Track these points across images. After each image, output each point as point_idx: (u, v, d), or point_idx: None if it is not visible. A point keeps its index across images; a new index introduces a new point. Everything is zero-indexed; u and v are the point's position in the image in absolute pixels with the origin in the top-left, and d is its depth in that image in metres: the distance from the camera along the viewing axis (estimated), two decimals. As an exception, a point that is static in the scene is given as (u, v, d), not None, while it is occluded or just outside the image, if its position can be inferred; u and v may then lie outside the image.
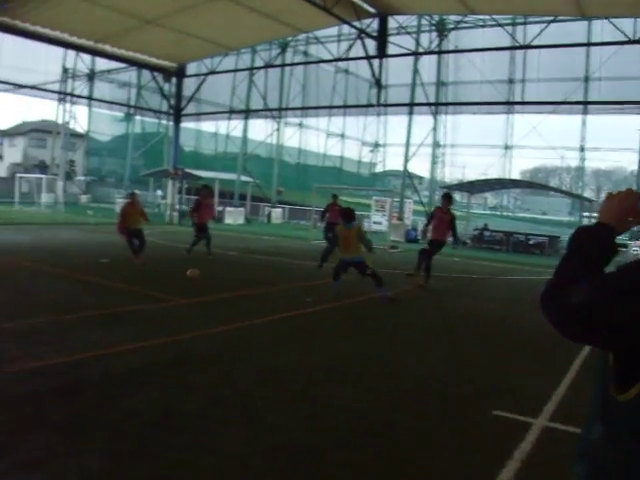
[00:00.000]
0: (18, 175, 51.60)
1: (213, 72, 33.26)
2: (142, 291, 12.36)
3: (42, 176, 50.29)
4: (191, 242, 19.45)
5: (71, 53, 46.12)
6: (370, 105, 40.39)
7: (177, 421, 5.59)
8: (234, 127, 52.38)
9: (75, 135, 57.98)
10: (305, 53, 43.84)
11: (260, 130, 51.27)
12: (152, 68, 33.45)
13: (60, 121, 53.90)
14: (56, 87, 47.00)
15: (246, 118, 48.07)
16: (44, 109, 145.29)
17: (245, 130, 48.63)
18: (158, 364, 7.37)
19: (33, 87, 39.71)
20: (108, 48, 30.11)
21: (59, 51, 43.22)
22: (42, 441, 4.95)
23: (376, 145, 58.84)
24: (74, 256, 17.91)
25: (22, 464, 4.52)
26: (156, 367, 7.25)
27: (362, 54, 26.40)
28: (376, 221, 37.33)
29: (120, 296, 11.71)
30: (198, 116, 45.72)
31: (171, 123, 38.69)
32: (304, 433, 5.56)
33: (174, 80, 34.83)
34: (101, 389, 6.33)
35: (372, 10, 24.51)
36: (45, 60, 41.94)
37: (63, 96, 50.63)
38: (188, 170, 39.60)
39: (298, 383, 7.05)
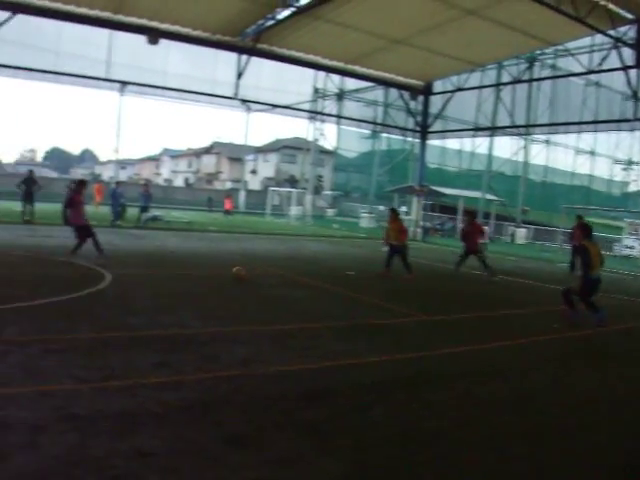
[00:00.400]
0: (270, 188, 54.73)
1: (460, 89, 33.14)
2: (386, 305, 12.52)
3: (292, 190, 52.89)
4: (484, 266, 19.08)
5: (321, 74, 48.09)
6: (625, 120, 38.16)
7: (417, 438, 5.57)
8: (479, 144, 51.81)
9: (324, 152, 60.38)
10: (553, 66, 42.26)
11: (505, 147, 50.31)
12: (399, 86, 34.07)
13: (310, 138, 56.33)
14: (307, 107, 49.17)
15: (492, 135, 47.31)
16: (296, 127, 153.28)
17: (490, 147, 47.92)
18: (401, 379, 7.40)
19: (287, 107, 41.86)
20: (357, 68, 31.12)
21: (311, 73, 45.27)
22: (290, 441, 5.18)
23: (629, 163, 55.52)
24: (322, 267, 18.60)
25: (272, 461, 4.74)
26: (399, 382, 7.27)
27: (617, 64, 24.95)
28: (628, 245, 35.17)
29: (365, 309, 11.97)
30: (443, 133, 45.66)
31: (417, 140, 39.13)
32: (554, 468, 5.21)
33: (420, 98, 35.18)
34: (345, 398, 6.47)
35: (630, 16, 23.07)
36: (298, 82, 43.96)
37: (314, 115, 52.81)
38: (432, 187, 39.78)
39: (546, 413, 6.66)
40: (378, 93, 51.25)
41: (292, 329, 9.46)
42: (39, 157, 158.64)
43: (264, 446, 5.01)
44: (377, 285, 15.66)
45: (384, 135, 56.91)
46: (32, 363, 6.77)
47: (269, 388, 6.54)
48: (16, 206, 27.83)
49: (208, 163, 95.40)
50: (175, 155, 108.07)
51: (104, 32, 30.36)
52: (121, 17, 25.05)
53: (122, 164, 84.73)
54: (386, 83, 34.93)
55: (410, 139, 51.40)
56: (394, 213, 18.28)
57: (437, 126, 38.39)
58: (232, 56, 29.48)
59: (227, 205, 45.96)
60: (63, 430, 5.03)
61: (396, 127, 47.59)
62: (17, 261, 14.67)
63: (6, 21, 24.42)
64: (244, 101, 36.66)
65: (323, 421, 5.71)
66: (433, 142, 46.18)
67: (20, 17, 24.60)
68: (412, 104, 35.65)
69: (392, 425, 5.82)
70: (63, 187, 46.41)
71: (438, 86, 35.50)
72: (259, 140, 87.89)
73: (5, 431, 4.90)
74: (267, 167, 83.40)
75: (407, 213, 41.51)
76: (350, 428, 5.62)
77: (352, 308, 11.90)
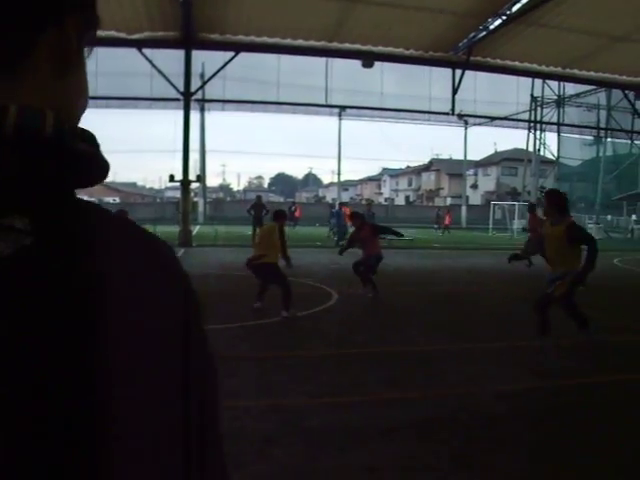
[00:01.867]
0: (492, 203, 53.84)
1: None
2: (621, 322, 11.29)
3: (514, 203, 51.68)
4: None
5: (538, 82, 46.72)
6: None
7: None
8: None
9: (545, 162, 58.45)
10: None
11: None
12: (623, 87, 32.31)
13: (530, 149, 54.86)
14: (525, 116, 47.99)
15: None
16: (515, 139, 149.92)
17: None
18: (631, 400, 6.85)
19: (504, 118, 41.17)
20: (576, 72, 29.92)
21: (527, 81, 44.11)
22: (517, 463, 5.03)
23: None
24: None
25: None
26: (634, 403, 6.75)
27: None
28: None
29: (598, 324, 11.28)
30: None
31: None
32: None
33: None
34: (576, 418, 6.15)
35: None
36: (514, 91, 43.04)
37: (532, 124, 51.45)
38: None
39: None
40: (600, 96, 48.83)
41: (519, 346, 9.21)
42: (266, 183, 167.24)
43: (489, 467, 4.92)
44: (611, 300, 14.75)
45: (609, 140, 54.01)
46: (265, 378, 7.19)
47: (497, 407, 6.41)
48: (247, 230, 29.52)
49: (428, 180, 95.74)
50: (395, 174, 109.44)
51: (321, 60, 31.66)
52: (336, 44, 25.94)
53: (344, 186, 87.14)
54: (608, 84, 33.24)
55: (639, 142, 48.52)
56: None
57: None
58: (446, 71, 29.54)
59: (447, 220, 45.76)
60: (293, 442, 5.28)
61: (622, 130, 45.13)
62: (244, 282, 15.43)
63: (231, 60, 26.15)
64: (461, 116, 36.54)
65: (553, 441, 5.48)
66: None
67: (242, 55, 26.25)
68: (638, 104, 33.70)
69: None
70: (287, 210, 48.67)
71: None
72: (478, 154, 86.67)
73: (240, 441, 5.17)
74: (487, 181, 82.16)
75: (638, 222, 39.14)
76: (585, 449, 5.30)
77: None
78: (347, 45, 26.09)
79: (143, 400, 0.60)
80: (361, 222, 14.70)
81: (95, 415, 0.55)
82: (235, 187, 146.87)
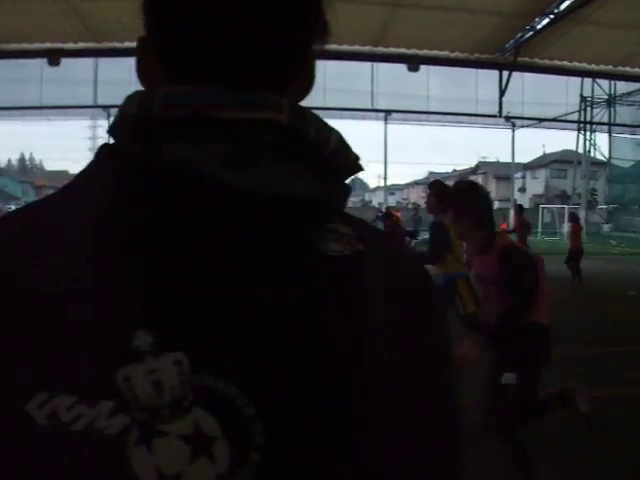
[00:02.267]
0: (541, 206, 53.08)
1: None
2: None
3: (564, 206, 50.87)
4: None
5: (588, 81, 45.85)
6: None
7: None
8: None
9: (596, 163, 57.42)
10: None
11: None
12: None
13: (580, 150, 53.90)
14: (574, 117, 47.14)
15: None
16: (564, 140, 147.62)
17: None
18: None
19: (553, 120, 40.54)
20: (628, 69, 29.32)
21: (576, 81, 43.33)
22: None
23: None
24: (597, 286, 17.56)
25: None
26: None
27: None
28: None
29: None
30: None
31: None
32: None
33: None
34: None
35: None
36: (563, 92, 42.28)
37: (582, 125, 50.57)
38: None
39: None
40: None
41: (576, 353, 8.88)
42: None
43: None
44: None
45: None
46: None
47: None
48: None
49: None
50: (442, 178, 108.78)
51: (366, 65, 31.55)
52: (381, 49, 25.86)
53: (390, 190, 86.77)
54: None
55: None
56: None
57: None
58: (492, 73, 29.22)
59: (504, 225, 45.15)
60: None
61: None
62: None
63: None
64: (508, 118, 36.08)
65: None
66: None
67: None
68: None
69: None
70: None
71: None
72: (526, 157, 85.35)
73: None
74: (536, 184, 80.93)
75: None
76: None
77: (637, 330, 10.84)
78: (392, 49, 26.00)
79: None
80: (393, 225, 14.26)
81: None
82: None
